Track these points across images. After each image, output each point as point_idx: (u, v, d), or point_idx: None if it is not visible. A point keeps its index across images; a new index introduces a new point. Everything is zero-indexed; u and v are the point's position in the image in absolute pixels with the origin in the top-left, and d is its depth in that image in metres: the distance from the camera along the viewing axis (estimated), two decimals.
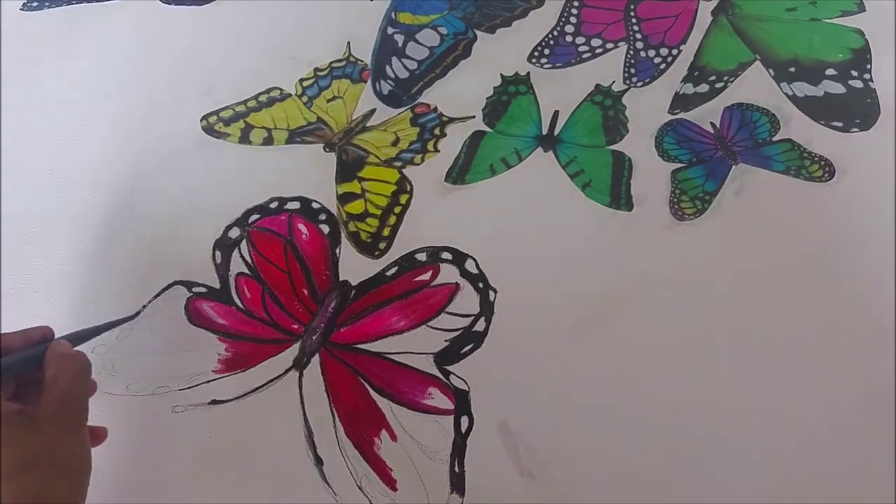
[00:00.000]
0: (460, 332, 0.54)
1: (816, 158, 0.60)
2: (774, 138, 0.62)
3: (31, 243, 0.59)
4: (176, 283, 0.56)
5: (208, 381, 0.52)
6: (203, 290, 0.56)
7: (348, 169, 0.62)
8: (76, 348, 0.45)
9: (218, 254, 0.58)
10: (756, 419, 0.50)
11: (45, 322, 0.54)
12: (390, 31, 0.71)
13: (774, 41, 0.68)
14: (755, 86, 0.65)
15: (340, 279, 0.56)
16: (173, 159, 0.63)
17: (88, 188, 0.61)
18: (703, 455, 0.49)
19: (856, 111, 0.63)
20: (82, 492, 0.41)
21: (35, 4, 0.73)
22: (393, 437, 0.50)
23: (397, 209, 0.60)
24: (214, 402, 0.51)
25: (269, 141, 0.64)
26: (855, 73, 0.65)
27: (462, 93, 0.66)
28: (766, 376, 0.51)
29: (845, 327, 0.53)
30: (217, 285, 0.56)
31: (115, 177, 0.62)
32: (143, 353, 0.53)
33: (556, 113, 0.65)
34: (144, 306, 0.55)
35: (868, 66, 0.66)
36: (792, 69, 0.66)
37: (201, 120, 0.65)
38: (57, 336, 0.46)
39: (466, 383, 0.51)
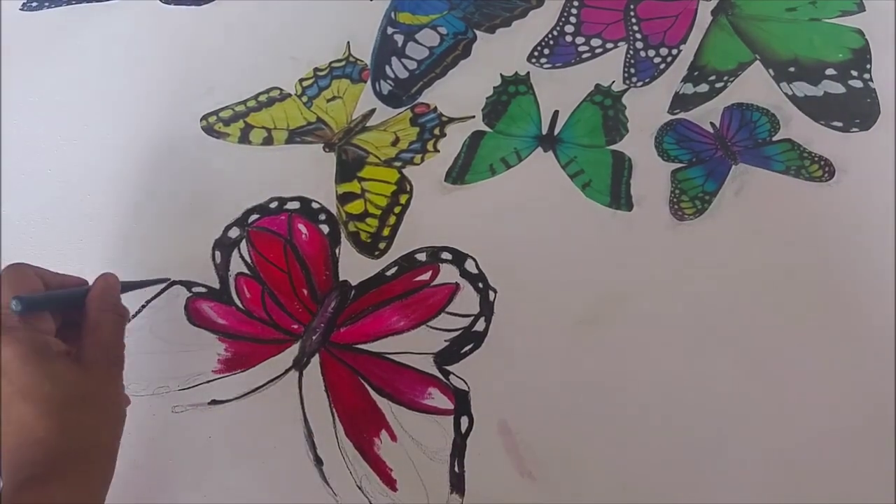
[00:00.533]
0: (460, 332, 0.54)
1: (816, 158, 0.60)
2: (774, 138, 0.62)
3: (30, 243, 0.59)
4: (175, 282, 0.56)
5: (208, 381, 0.52)
6: (203, 289, 0.56)
7: (348, 169, 0.62)
8: None
9: (217, 254, 0.58)
10: (756, 419, 0.50)
11: None
12: (390, 30, 0.71)
13: (774, 41, 0.68)
14: (755, 86, 0.65)
15: (340, 279, 0.56)
16: (173, 159, 0.63)
17: (88, 188, 0.61)
18: (703, 455, 0.49)
19: (856, 111, 0.63)
20: (118, 440, 0.42)
21: (35, 4, 0.73)
22: (393, 437, 0.50)
23: (397, 209, 0.60)
24: (214, 402, 0.51)
25: (268, 141, 0.64)
26: (855, 73, 0.65)
27: (462, 93, 0.66)
28: (766, 375, 0.51)
29: (845, 327, 0.53)
30: (217, 285, 0.56)
31: (114, 177, 0.62)
32: (142, 352, 0.53)
33: (556, 113, 0.65)
34: (144, 306, 0.55)
35: (868, 66, 0.65)
36: (792, 69, 0.66)
37: (201, 120, 0.65)
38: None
39: (466, 383, 0.51)
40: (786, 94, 0.64)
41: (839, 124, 0.62)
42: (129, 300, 0.55)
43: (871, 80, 0.65)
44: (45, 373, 0.38)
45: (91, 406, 0.40)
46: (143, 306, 0.55)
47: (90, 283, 0.46)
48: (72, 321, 0.44)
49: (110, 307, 0.45)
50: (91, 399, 0.40)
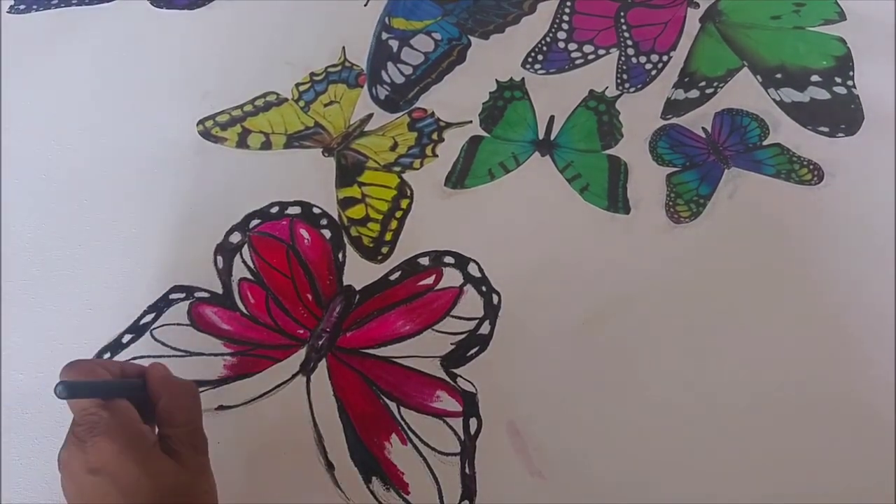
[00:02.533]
0: (466, 335, 0.54)
1: (805, 162, 0.62)
2: (764, 143, 0.64)
3: (28, 249, 0.58)
4: (177, 287, 0.56)
5: (214, 387, 0.52)
6: (206, 295, 0.56)
7: (348, 174, 0.62)
8: None
9: (219, 259, 0.57)
10: (756, 419, 0.51)
11: (46, 327, 0.54)
12: (384, 36, 0.71)
13: (761, 48, 0.70)
14: (744, 91, 0.67)
15: (344, 284, 0.57)
16: (171, 164, 0.63)
17: (85, 193, 0.61)
18: (705, 454, 0.50)
19: (841, 117, 0.65)
20: None
21: (22, 7, 0.72)
22: (403, 440, 0.50)
23: (398, 214, 0.60)
24: (222, 407, 0.51)
25: (267, 145, 0.64)
26: (839, 80, 0.67)
27: (458, 98, 0.67)
28: (764, 375, 0.52)
29: (838, 326, 0.54)
30: (220, 290, 0.56)
31: (111, 182, 0.62)
32: (147, 358, 0.53)
33: (552, 118, 0.66)
34: (146, 312, 0.55)
35: (851, 73, 0.68)
36: (779, 75, 0.68)
37: (198, 124, 0.65)
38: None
39: (474, 385, 0.52)
40: (774, 99, 0.66)
41: (825, 129, 0.64)
42: (130, 305, 0.55)
43: (855, 87, 0.67)
44: (144, 469, 0.36)
45: (187, 498, 0.38)
46: (145, 312, 0.55)
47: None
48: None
49: (177, 388, 0.41)
50: (186, 491, 0.38)
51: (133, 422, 0.38)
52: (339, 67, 0.69)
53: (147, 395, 0.40)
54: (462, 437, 0.50)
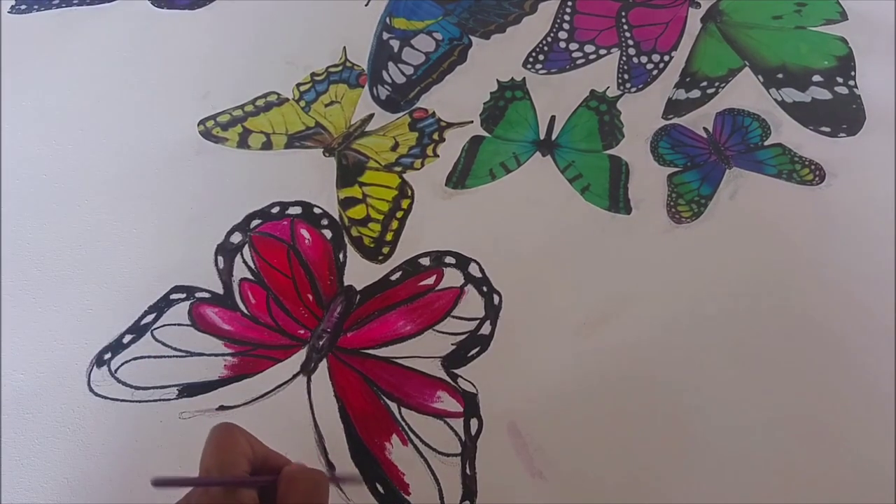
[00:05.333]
0: (466, 335, 0.54)
1: (807, 163, 0.62)
2: (766, 143, 0.64)
3: (29, 249, 0.58)
4: (178, 287, 0.56)
5: (215, 387, 0.52)
6: (207, 295, 0.56)
7: (349, 174, 0.62)
8: None
9: (220, 259, 0.57)
10: (757, 419, 0.51)
11: (46, 327, 0.54)
12: (385, 36, 0.71)
13: (763, 48, 0.70)
14: (745, 91, 0.67)
15: (345, 284, 0.56)
16: (171, 164, 0.63)
17: (85, 193, 0.61)
18: (706, 454, 0.50)
19: (842, 117, 0.65)
20: None
21: (23, 7, 0.72)
22: (404, 441, 0.50)
23: (399, 214, 0.60)
24: (222, 407, 0.51)
25: (267, 146, 0.64)
26: (840, 80, 0.67)
27: (459, 98, 0.67)
28: (764, 375, 0.52)
29: (840, 325, 0.54)
30: (220, 290, 0.56)
31: (112, 182, 0.62)
32: (148, 358, 0.53)
33: (553, 118, 0.66)
34: (146, 312, 0.55)
35: (852, 73, 0.68)
36: (780, 75, 0.68)
37: (198, 124, 0.65)
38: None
39: (475, 386, 0.52)
40: (775, 99, 0.66)
41: (827, 129, 0.64)
42: (131, 306, 0.55)
43: (856, 87, 0.67)
44: None
45: None
46: (146, 312, 0.55)
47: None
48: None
49: (300, 477, 0.37)
50: None
51: None
52: (340, 67, 0.69)
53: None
54: (463, 438, 0.50)
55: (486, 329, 0.54)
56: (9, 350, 0.54)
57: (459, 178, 0.62)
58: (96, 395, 0.52)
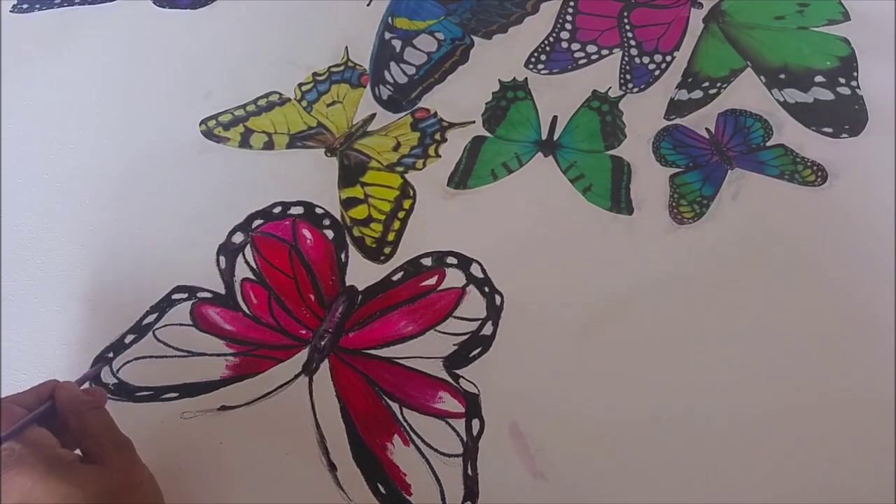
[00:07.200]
0: (468, 336, 0.54)
1: (809, 163, 0.62)
2: (768, 143, 0.64)
3: (30, 249, 0.58)
4: (180, 287, 0.56)
5: (217, 387, 0.52)
6: (208, 295, 0.56)
7: (351, 174, 0.62)
8: None
9: (222, 259, 0.57)
10: (758, 420, 0.51)
11: (47, 328, 0.54)
12: (388, 35, 0.71)
13: (765, 48, 0.69)
14: (747, 92, 0.67)
15: (347, 284, 0.56)
16: (173, 163, 0.63)
17: (87, 193, 0.61)
18: (708, 454, 0.50)
19: (845, 117, 0.65)
20: None
21: (25, 6, 0.72)
22: (405, 441, 0.50)
23: (401, 214, 0.60)
24: (224, 407, 0.51)
25: (269, 145, 0.64)
26: (843, 81, 0.67)
27: (461, 98, 0.67)
28: (767, 375, 0.52)
29: (842, 327, 0.54)
30: (222, 290, 0.56)
31: (113, 181, 0.62)
32: (149, 358, 0.53)
33: (555, 118, 0.66)
34: (148, 312, 0.55)
35: (855, 74, 0.67)
36: (782, 76, 0.68)
37: (200, 124, 0.65)
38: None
39: (476, 386, 0.52)
40: (777, 100, 0.66)
41: (829, 130, 0.64)
42: (131, 305, 0.55)
43: (859, 88, 0.67)
44: (69, 484, 0.37)
45: (125, 495, 0.39)
46: (148, 312, 0.55)
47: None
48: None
49: (83, 406, 0.42)
50: (120, 490, 0.39)
51: (48, 447, 0.39)
52: (342, 67, 0.69)
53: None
54: (464, 438, 0.50)
55: (487, 329, 0.54)
56: (9, 350, 0.54)
57: (461, 178, 0.62)
58: None
